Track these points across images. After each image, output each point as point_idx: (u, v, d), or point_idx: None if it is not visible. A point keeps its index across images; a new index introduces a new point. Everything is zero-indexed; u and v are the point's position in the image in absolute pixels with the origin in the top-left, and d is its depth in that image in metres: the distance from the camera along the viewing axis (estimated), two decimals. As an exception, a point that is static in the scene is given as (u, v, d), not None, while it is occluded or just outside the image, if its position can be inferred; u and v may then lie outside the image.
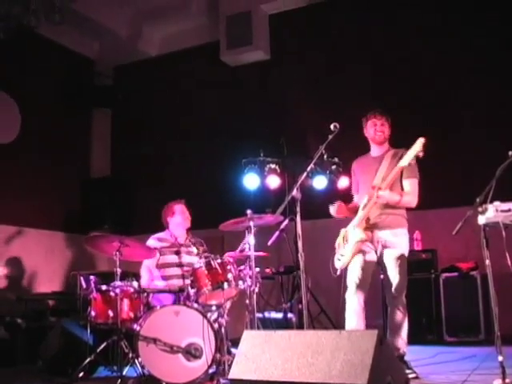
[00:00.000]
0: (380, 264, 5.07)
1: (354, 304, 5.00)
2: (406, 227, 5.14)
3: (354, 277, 5.04)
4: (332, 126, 4.77)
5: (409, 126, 7.54)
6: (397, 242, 5.03)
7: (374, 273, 5.10)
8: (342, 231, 5.16)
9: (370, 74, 8.35)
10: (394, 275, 4.98)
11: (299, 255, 4.75)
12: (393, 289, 4.99)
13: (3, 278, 8.18)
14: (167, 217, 6.34)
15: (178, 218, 6.28)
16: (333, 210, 5.16)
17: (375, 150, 5.26)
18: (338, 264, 5.10)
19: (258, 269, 5.26)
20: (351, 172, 5.46)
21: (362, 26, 8.52)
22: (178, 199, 6.45)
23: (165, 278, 6.07)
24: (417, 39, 8.09)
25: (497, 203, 3.89)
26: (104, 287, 5.34)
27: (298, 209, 4.77)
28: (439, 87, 7.90)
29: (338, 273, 5.12)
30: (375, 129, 5.18)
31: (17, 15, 7.53)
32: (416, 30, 8.14)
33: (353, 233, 5.03)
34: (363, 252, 5.03)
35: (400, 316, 5.01)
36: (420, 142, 4.66)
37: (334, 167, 7.42)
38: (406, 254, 5.09)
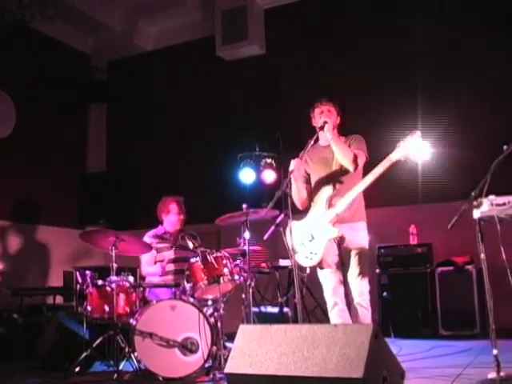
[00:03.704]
0: (341, 260, 4.91)
1: (336, 302, 4.93)
2: (365, 221, 5.01)
3: (329, 275, 4.96)
4: None
5: (405, 121, 7.60)
6: (356, 237, 4.90)
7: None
8: (301, 227, 4.96)
9: (367, 68, 8.33)
10: (355, 273, 4.86)
11: (291, 250, 4.68)
12: (355, 287, 4.86)
13: (-2, 273, 8.18)
14: (162, 213, 6.36)
15: (173, 218, 6.29)
16: (294, 163, 4.93)
17: (324, 139, 5.05)
18: (309, 263, 4.91)
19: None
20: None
21: (360, 20, 8.50)
22: (175, 196, 6.44)
23: (163, 272, 6.09)
24: (417, 33, 8.06)
25: (492, 197, 3.89)
26: (100, 282, 5.36)
27: (290, 204, 4.67)
28: (437, 81, 7.89)
29: (308, 271, 5.05)
30: (322, 116, 5.00)
31: (10, 9, 7.51)
32: (416, 24, 8.11)
33: (323, 229, 4.84)
34: (328, 247, 4.87)
35: (365, 314, 4.85)
36: (415, 135, 4.53)
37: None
38: (367, 249, 4.96)
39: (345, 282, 4.93)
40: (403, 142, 4.58)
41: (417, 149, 4.56)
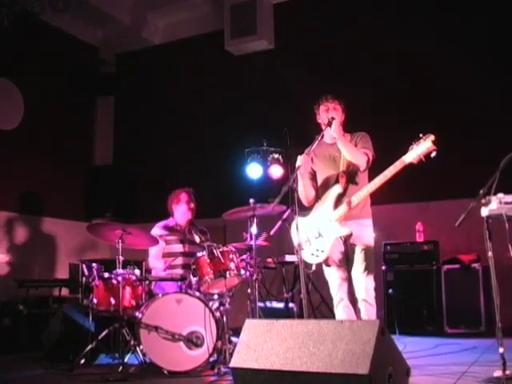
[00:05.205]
0: (347, 256, 4.91)
1: (341, 298, 4.94)
2: (371, 218, 5.00)
3: (334, 271, 4.97)
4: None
5: (410, 118, 7.60)
6: (362, 234, 4.89)
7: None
8: (307, 224, 4.94)
9: (373, 64, 8.32)
10: (360, 269, 4.85)
11: (297, 246, 4.67)
12: (360, 283, 4.85)
13: (5, 265, 8.20)
14: (172, 204, 6.35)
15: (183, 207, 6.28)
16: (301, 159, 4.91)
17: (329, 136, 5.03)
18: (315, 260, 4.90)
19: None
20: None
21: (366, 16, 8.48)
22: (185, 187, 6.43)
23: (169, 266, 6.09)
24: (421, 33, 8.04)
25: (500, 195, 3.88)
26: (106, 275, 5.36)
27: (296, 199, 4.67)
28: (440, 78, 7.86)
29: (314, 268, 5.05)
30: (328, 113, 4.98)
31: (21, 2, 7.52)
32: (421, 23, 8.09)
33: (330, 227, 4.83)
34: (335, 245, 4.88)
35: (370, 310, 4.83)
36: (429, 139, 4.52)
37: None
38: (372, 246, 4.94)
39: (350, 279, 4.93)
40: (417, 145, 4.57)
41: (430, 152, 4.53)
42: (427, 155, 4.54)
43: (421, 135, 4.58)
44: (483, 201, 3.90)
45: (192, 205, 6.29)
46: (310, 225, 4.95)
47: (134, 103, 10.22)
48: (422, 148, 4.55)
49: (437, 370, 4.59)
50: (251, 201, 5.30)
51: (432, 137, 4.55)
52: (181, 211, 6.29)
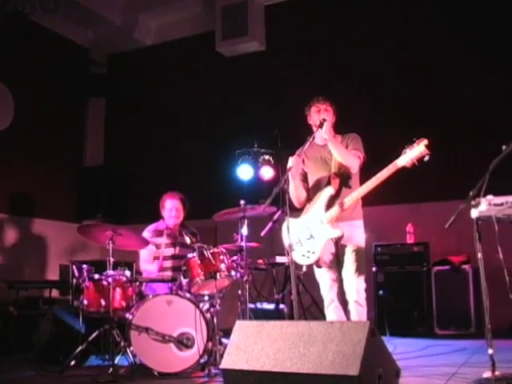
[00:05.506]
0: (338, 257, 4.91)
1: (332, 299, 4.94)
2: (362, 219, 5.00)
3: (325, 272, 4.97)
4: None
5: (404, 121, 7.61)
6: (353, 235, 4.90)
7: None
8: (299, 225, 4.95)
9: (367, 66, 8.33)
10: (351, 270, 4.85)
11: (288, 247, 4.67)
12: (351, 284, 4.85)
13: (-5, 266, 8.18)
14: (160, 208, 6.36)
15: (167, 214, 6.29)
16: (292, 161, 4.91)
17: (321, 137, 5.02)
18: (306, 261, 4.91)
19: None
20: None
21: (359, 17, 8.50)
22: (173, 191, 6.42)
23: (160, 269, 6.08)
24: (421, 33, 8.06)
25: (490, 197, 3.89)
26: (96, 276, 5.34)
27: (288, 200, 4.70)
28: (437, 82, 7.89)
29: (305, 269, 5.04)
30: (319, 115, 4.98)
31: (11, 2, 7.51)
32: (421, 23, 8.11)
33: (322, 229, 4.84)
34: (326, 246, 4.88)
35: (361, 312, 4.84)
36: (423, 144, 4.52)
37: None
38: (363, 247, 4.95)
39: (340, 280, 4.93)
40: (410, 149, 4.57)
41: (423, 156, 4.54)
42: (420, 159, 4.56)
43: (414, 139, 4.59)
44: (473, 202, 3.91)
45: (174, 212, 6.27)
46: (302, 226, 4.95)
47: (126, 104, 10.20)
48: (415, 152, 4.55)
49: (427, 371, 4.60)
50: (242, 202, 5.30)
51: (425, 141, 4.55)
52: (166, 216, 6.31)
